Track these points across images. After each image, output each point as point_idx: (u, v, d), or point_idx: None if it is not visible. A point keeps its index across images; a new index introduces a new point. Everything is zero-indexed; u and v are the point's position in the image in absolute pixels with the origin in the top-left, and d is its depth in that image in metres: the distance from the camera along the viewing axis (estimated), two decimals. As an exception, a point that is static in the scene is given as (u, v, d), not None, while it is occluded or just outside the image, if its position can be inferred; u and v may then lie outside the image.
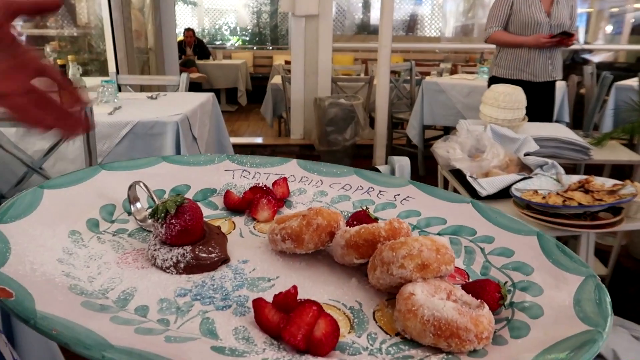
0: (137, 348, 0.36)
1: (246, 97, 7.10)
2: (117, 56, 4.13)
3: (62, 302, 0.42)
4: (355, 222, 0.58)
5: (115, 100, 2.40)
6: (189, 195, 0.68)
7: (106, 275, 0.50)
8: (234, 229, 0.62)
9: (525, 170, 1.59)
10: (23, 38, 0.42)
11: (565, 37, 2.93)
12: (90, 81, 2.72)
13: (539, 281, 0.51)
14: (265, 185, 0.67)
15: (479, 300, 0.45)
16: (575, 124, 3.95)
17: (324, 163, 0.74)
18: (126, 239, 0.58)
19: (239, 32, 9.16)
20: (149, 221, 0.56)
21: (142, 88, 3.68)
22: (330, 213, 0.54)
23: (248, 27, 9.14)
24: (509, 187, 1.41)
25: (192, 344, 0.40)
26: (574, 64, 5.59)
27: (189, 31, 7.12)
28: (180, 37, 6.90)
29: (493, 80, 3.14)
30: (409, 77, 4.58)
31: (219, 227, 0.57)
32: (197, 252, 0.51)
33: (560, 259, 0.53)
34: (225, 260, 0.54)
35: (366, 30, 8.83)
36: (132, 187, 0.60)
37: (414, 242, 0.46)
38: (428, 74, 5.15)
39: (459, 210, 0.64)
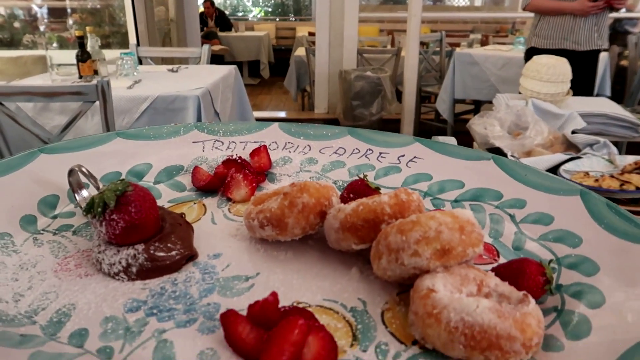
0: None
1: (269, 69, 6.93)
2: (137, 28, 3.99)
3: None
4: (352, 196, 0.47)
5: (135, 73, 2.28)
6: (150, 175, 0.56)
7: (39, 289, 0.39)
8: (204, 214, 0.51)
9: (572, 149, 1.45)
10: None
11: None
12: (110, 54, 2.59)
13: (592, 255, 0.40)
14: (240, 157, 0.55)
15: (522, 293, 0.33)
16: (615, 98, 3.76)
17: (312, 124, 0.62)
18: (69, 237, 0.47)
19: (261, 3, 8.86)
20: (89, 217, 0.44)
21: (163, 60, 3.56)
22: (319, 188, 0.42)
23: None
24: (555, 168, 1.28)
25: (137, 386, 0.29)
26: (615, 34, 5.16)
27: (207, 2, 6.89)
28: (201, 9, 6.67)
29: (532, 51, 2.92)
30: (438, 49, 4.38)
31: (182, 215, 0.46)
32: (151, 252, 0.40)
33: (616, 224, 0.41)
34: (191, 256, 0.42)
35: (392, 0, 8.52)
36: (72, 173, 0.49)
37: (430, 221, 0.35)
38: (457, 45, 4.95)
39: (479, 170, 0.52)
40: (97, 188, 0.48)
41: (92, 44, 2.30)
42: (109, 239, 0.40)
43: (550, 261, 0.39)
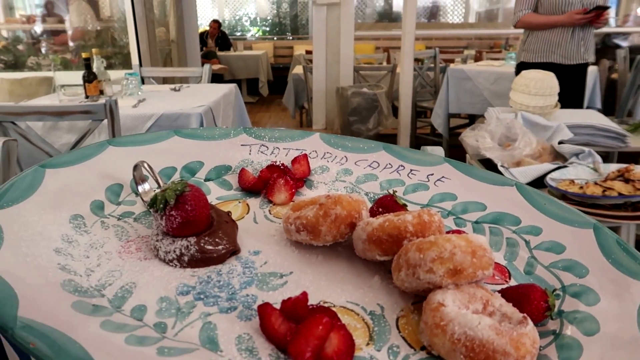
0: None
1: (267, 87, 7.08)
2: (139, 49, 4.14)
3: (50, 304, 0.38)
4: (380, 210, 0.52)
5: (139, 92, 2.40)
6: (202, 173, 0.63)
7: (106, 267, 0.46)
8: (247, 213, 0.57)
9: (559, 159, 1.50)
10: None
11: (601, 10, 2.75)
12: (114, 74, 2.73)
13: (595, 286, 0.43)
14: (283, 164, 0.61)
15: (522, 315, 0.38)
16: (607, 110, 3.78)
17: (350, 137, 0.67)
18: (131, 223, 0.54)
19: (259, 23, 9.07)
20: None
21: (165, 80, 3.71)
22: (351, 201, 0.47)
23: (268, 18, 9.03)
24: (542, 176, 1.33)
25: (186, 358, 0.35)
26: (605, 48, 5.31)
27: (215, 22, 7.09)
28: (202, 29, 6.85)
29: (521, 66, 3.04)
30: (432, 65, 4.47)
31: (228, 214, 0.52)
32: (202, 244, 0.46)
33: (622, 260, 0.45)
34: (234, 251, 0.49)
35: (387, 18, 8.63)
36: (137, 167, 0.56)
37: (446, 243, 0.40)
38: (452, 61, 5.03)
39: (502, 195, 0.56)
40: (157, 182, 0.55)
41: (97, 65, 2.41)
42: (167, 230, 0.47)
43: (554, 290, 0.43)
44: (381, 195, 0.57)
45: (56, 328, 0.35)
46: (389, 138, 4.30)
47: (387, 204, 0.52)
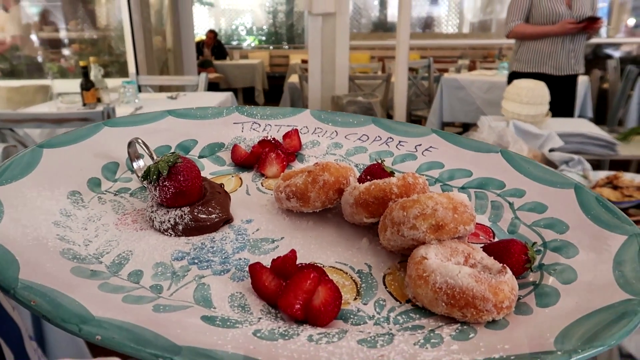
0: (118, 319, 0.34)
1: (263, 96, 7.11)
2: (136, 57, 4.15)
3: (50, 269, 0.40)
4: (368, 177, 0.53)
5: (137, 100, 2.40)
6: (196, 150, 0.64)
7: (103, 237, 0.48)
8: (240, 186, 0.58)
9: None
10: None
11: (592, 21, 2.87)
12: (111, 82, 2.75)
13: (574, 240, 0.45)
14: (274, 139, 0.62)
15: (501, 265, 0.39)
16: (598, 119, 3.89)
17: (340, 112, 0.69)
18: (127, 198, 0.56)
19: (255, 32, 9.13)
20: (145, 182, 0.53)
21: (162, 88, 3.72)
22: (339, 168, 0.49)
23: (264, 27, 9.10)
24: None
25: (181, 314, 0.37)
26: (596, 59, 5.49)
27: (211, 32, 7.12)
28: (198, 38, 6.88)
29: (513, 75, 3.14)
30: (427, 74, 4.58)
31: (221, 185, 0.54)
32: (195, 213, 0.48)
33: (601, 215, 0.46)
34: (227, 220, 0.50)
35: (382, 28, 8.76)
36: (131, 144, 0.57)
37: (428, 200, 0.41)
38: (446, 70, 5.15)
39: (487, 161, 0.58)
40: (152, 158, 0.56)
41: (95, 73, 2.42)
42: (161, 201, 0.48)
43: (534, 244, 0.44)
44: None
45: (56, 289, 0.37)
46: (384, 145, 4.40)
47: (374, 171, 0.54)
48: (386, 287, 0.42)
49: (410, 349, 0.33)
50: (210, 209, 0.49)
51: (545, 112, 2.22)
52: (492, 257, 0.41)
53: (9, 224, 0.44)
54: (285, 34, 9.12)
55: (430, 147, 0.62)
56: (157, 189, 0.48)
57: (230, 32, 9.12)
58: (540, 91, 2.23)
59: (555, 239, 0.46)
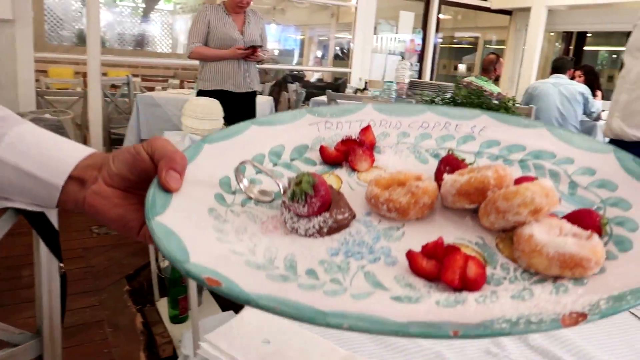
0: (353, 312, 0.45)
1: None
2: None
3: (251, 282, 0.50)
4: (447, 168, 0.65)
5: None
6: (286, 154, 0.74)
7: (261, 246, 0.58)
8: (342, 183, 0.69)
9: None
10: None
11: (255, 48, 3.68)
12: None
13: (625, 195, 0.60)
14: (359, 137, 0.72)
15: (589, 231, 0.54)
16: None
17: (395, 104, 0.79)
18: (253, 207, 0.65)
19: None
20: (266, 198, 0.62)
21: None
22: (434, 191, 0.60)
23: None
24: None
25: (373, 298, 0.49)
26: (286, 84, 6.79)
27: None
28: None
29: (200, 93, 3.67)
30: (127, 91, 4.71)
31: (332, 187, 0.64)
32: (335, 216, 0.59)
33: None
34: (354, 216, 0.61)
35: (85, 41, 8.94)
36: (237, 169, 0.64)
37: (526, 191, 0.54)
38: (153, 89, 5.53)
39: (535, 135, 0.71)
40: (270, 176, 0.64)
41: None
42: (308, 214, 0.58)
43: (597, 206, 0.59)
44: (439, 151, 0.71)
45: (280, 295, 0.47)
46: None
47: (449, 162, 0.66)
48: (502, 254, 0.56)
49: (553, 297, 0.47)
50: (342, 209, 0.60)
51: (220, 126, 2.69)
52: (576, 225, 0.55)
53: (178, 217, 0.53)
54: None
55: (484, 127, 0.74)
56: (306, 206, 0.57)
57: None
58: (214, 108, 2.70)
59: (610, 197, 0.61)
